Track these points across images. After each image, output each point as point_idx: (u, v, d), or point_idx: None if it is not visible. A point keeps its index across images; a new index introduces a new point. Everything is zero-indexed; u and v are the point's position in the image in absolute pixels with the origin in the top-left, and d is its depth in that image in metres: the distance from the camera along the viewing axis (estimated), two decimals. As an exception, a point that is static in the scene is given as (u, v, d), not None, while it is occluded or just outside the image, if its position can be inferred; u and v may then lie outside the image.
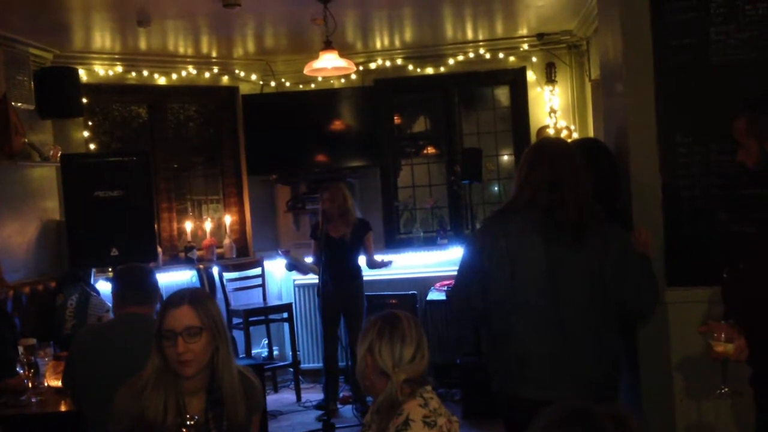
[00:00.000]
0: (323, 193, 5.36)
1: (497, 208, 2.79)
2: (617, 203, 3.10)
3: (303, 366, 6.28)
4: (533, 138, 6.12)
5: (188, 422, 1.95)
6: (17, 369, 3.54)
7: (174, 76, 6.19)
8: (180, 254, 6.22)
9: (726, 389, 2.36)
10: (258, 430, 2.39)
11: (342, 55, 5.05)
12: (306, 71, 5.17)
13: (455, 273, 2.75)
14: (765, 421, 2.39)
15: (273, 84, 6.48)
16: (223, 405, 2.16)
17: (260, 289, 6.27)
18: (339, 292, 5.29)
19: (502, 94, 6.63)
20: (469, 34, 6.05)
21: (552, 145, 2.79)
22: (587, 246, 2.49)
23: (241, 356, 5.53)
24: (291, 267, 5.65)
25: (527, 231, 2.55)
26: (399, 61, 6.36)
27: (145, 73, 6.06)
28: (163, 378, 2.13)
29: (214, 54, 6.18)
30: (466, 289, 2.67)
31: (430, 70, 6.39)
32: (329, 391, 5.45)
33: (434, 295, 5.77)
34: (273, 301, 6.33)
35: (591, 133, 5.86)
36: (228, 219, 6.48)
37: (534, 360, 2.53)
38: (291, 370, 6.11)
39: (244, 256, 6.48)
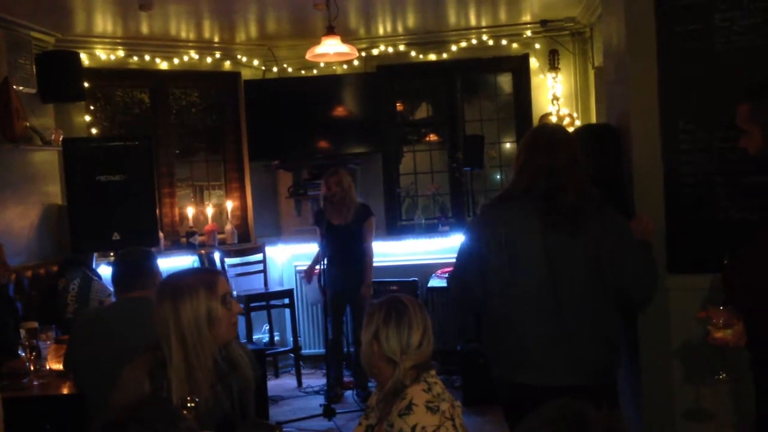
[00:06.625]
0: (330, 177, 5.30)
1: (496, 195, 2.78)
2: (625, 190, 3.09)
3: (304, 352, 6.31)
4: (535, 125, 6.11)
5: (189, 404, 1.95)
6: (19, 352, 3.56)
7: (176, 61, 6.17)
8: (182, 239, 6.22)
9: (724, 375, 2.36)
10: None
11: (344, 40, 5.02)
12: (308, 56, 5.15)
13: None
14: (764, 406, 2.39)
15: (275, 69, 6.46)
16: (235, 370, 2.26)
17: (261, 274, 6.27)
18: (344, 279, 5.27)
19: (505, 81, 6.61)
20: (472, 21, 6.02)
21: (550, 131, 2.77)
22: (586, 231, 2.48)
23: (242, 341, 5.54)
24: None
25: (525, 217, 2.54)
26: (402, 48, 6.34)
27: (147, 57, 6.04)
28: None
29: (216, 39, 6.16)
30: (465, 275, 2.66)
31: (432, 57, 6.36)
32: (332, 376, 5.44)
33: (435, 282, 5.77)
34: (274, 287, 6.34)
35: (593, 121, 5.84)
36: (230, 204, 6.48)
37: (533, 345, 2.52)
38: (292, 355, 6.13)
39: (245, 241, 6.49)
